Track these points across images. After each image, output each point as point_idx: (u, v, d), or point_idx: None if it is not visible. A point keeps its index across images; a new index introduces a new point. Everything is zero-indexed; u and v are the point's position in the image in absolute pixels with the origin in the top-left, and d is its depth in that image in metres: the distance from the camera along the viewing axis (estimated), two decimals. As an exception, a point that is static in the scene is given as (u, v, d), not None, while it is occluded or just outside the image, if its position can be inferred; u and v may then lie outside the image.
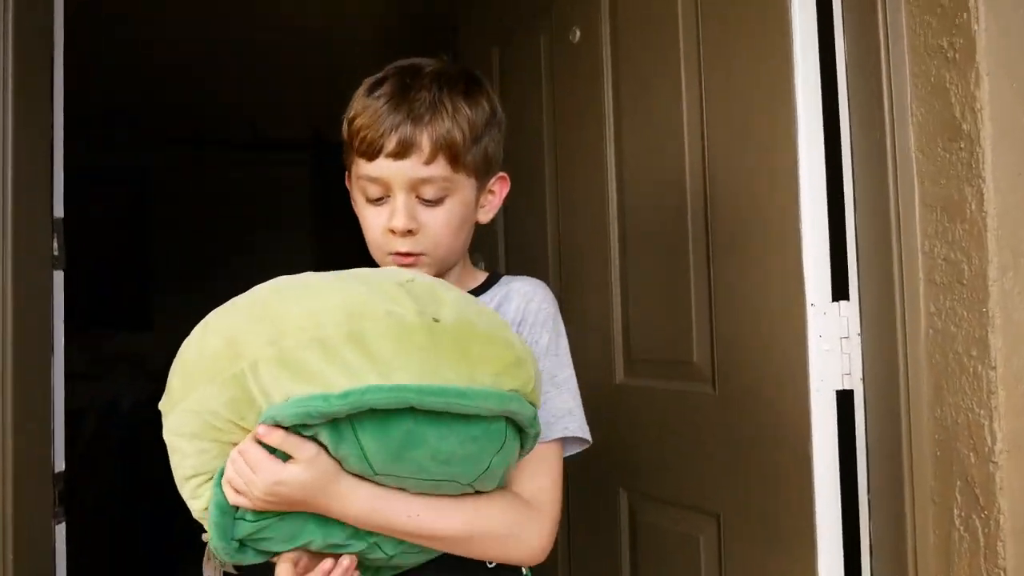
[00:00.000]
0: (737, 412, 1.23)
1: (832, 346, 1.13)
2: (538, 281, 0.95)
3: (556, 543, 0.88)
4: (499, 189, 0.96)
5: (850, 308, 1.12)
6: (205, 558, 0.83)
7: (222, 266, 4.50)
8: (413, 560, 0.81)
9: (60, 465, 1.22)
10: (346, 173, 0.97)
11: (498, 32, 1.67)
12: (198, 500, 0.77)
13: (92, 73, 2.30)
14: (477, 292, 0.94)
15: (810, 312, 1.12)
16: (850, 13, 1.07)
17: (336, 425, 0.70)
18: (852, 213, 1.11)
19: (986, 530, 0.93)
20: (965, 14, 0.90)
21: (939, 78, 0.94)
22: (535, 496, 0.84)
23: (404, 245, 0.87)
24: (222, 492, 0.74)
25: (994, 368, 0.92)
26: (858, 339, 1.12)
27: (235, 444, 0.74)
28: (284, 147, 4.43)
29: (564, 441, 0.89)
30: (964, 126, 0.92)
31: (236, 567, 0.80)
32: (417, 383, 0.69)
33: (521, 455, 0.82)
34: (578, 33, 1.41)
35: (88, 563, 1.55)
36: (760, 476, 1.19)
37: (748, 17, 1.18)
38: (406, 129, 0.85)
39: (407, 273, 0.81)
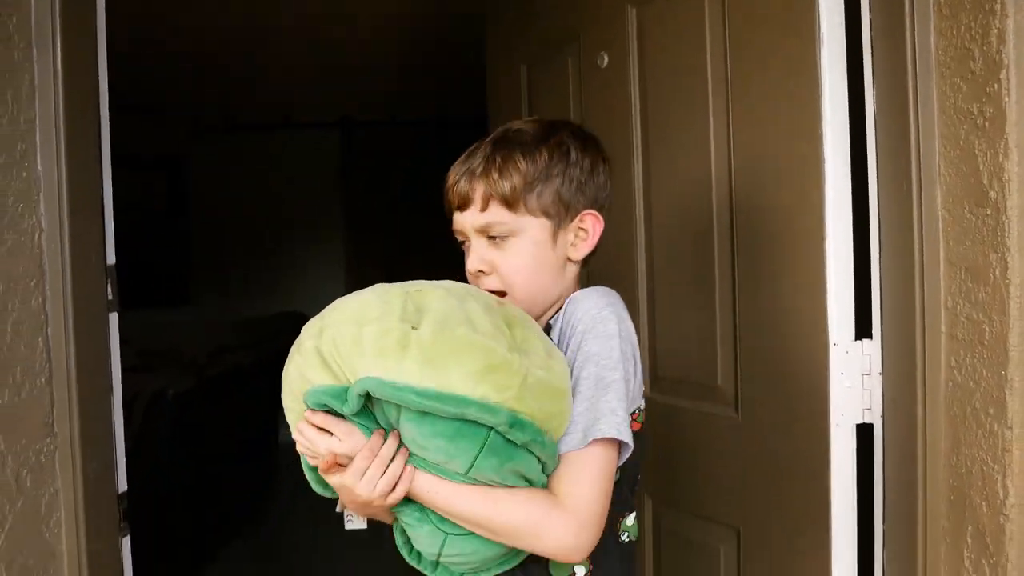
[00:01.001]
0: (759, 437, 1.27)
1: (854, 383, 1.16)
2: (594, 288, 0.96)
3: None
4: (591, 226, 1.00)
5: (873, 346, 1.15)
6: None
7: (256, 245, 4.60)
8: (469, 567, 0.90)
9: (123, 486, 1.31)
10: None
11: (526, 49, 1.66)
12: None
13: (131, 64, 2.34)
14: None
15: (833, 351, 1.16)
16: (880, 63, 1.06)
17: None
18: (877, 259, 1.13)
19: (994, 574, 0.98)
20: (996, 84, 0.90)
21: (968, 143, 0.95)
22: (564, 496, 0.88)
23: (484, 284, 0.99)
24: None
25: (1010, 428, 0.95)
26: (879, 377, 1.15)
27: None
28: (316, 127, 4.47)
29: (620, 445, 0.90)
30: (991, 194, 0.92)
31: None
32: (381, 378, 0.82)
33: (546, 458, 0.86)
34: (606, 58, 1.40)
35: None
36: (780, 498, 1.24)
37: (777, 51, 1.18)
38: (462, 184, 0.99)
39: (427, 285, 0.91)
